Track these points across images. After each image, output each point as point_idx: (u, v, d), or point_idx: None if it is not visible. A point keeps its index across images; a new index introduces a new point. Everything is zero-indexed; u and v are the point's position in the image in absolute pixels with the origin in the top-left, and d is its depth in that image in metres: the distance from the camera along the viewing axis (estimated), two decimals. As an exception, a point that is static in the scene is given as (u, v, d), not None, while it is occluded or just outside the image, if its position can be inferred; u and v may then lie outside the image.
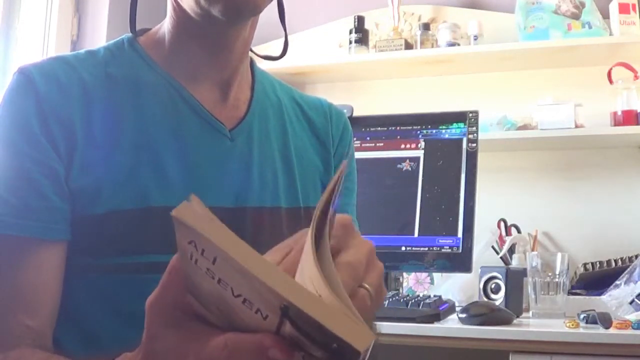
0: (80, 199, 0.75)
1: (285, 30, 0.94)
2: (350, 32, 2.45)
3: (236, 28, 0.80)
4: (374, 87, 2.52)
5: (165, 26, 0.84)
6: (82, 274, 0.75)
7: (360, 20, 2.45)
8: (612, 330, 1.56)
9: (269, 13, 0.81)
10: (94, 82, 0.79)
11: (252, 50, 0.91)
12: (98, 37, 2.39)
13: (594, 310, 1.65)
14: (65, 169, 0.74)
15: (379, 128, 2.03)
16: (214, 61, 0.83)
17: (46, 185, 0.73)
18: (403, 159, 1.97)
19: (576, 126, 2.13)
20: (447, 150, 1.93)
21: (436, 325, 1.65)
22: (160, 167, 0.77)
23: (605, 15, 2.21)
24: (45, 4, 2.31)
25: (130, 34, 0.86)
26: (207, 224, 0.42)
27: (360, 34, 2.44)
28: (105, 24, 2.39)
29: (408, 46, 2.38)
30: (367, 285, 0.49)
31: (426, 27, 2.41)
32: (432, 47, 2.36)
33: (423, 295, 1.77)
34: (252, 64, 0.92)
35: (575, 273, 2.03)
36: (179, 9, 0.80)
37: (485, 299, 1.83)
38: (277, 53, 0.96)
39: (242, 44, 0.83)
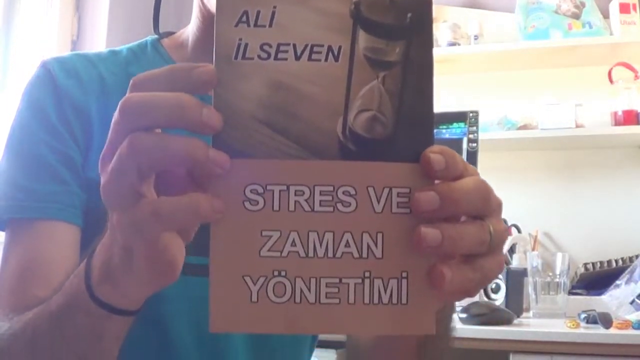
0: (95, 190, 0.75)
1: None
2: (351, 32, 2.44)
3: None
4: (374, 87, 2.51)
5: (190, 28, 0.84)
6: None
7: (360, 20, 2.45)
8: (612, 330, 1.56)
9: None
10: (114, 80, 0.79)
11: None
12: (98, 37, 2.38)
13: (595, 310, 1.65)
14: (83, 157, 0.75)
15: (379, 128, 2.02)
16: None
17: (63, 171, 0.74)
18: (403, 159, 1.96)
19: (576, 126, 2.13)
20: (447, 150, 1.93)
21: (436, 325, 1.65)
22: None
23: (606, 15, 2.21)
24: (45, 4, 2.31)
25: (154, 36, 0.87)
26: None
27: (361, 34, 2.43)
28: (106, 24, 2.38)
29: (408, 46, 2.38)
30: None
31: (426, 27, 2.40)
32: (433, 47, 2.36)
33: (423, 295, 1.77)
34: None
35: (576, 273, 2.03)
36: (204, 9, 0.80)
37: (486, 299, 1.83)
38: None
39: None
